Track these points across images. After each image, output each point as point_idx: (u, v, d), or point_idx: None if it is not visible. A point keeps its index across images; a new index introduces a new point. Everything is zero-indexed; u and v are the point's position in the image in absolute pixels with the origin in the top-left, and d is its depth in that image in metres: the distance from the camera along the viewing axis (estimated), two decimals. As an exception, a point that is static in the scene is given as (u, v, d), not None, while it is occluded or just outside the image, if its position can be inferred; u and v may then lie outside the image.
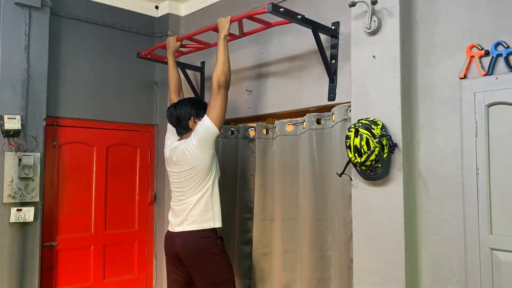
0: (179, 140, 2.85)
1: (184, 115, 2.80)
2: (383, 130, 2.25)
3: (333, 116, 2.69)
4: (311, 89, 2.92)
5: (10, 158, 3.18)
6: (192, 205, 2.68)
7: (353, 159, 2.30)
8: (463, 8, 2.22)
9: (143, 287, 4.04)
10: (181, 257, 2.71)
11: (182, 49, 3.43)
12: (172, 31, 4.01)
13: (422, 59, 2.34)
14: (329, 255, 2.72)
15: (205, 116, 2.67)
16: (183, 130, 2.84)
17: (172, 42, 3.20)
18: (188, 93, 3.89)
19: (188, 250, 2.68)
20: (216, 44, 3.27)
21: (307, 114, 2.84)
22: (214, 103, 2.66)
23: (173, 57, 3.22)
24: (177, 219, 2.75)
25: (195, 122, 2.78)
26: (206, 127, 2.64)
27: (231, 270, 2.77)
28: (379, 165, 2.25)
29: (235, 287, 2.78)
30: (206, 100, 3.73)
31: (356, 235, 2.43)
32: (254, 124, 3.27)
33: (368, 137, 2.22)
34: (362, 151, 2.24)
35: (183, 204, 2.72)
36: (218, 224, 2.71)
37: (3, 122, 3.14)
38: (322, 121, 2.80)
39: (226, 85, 2.68)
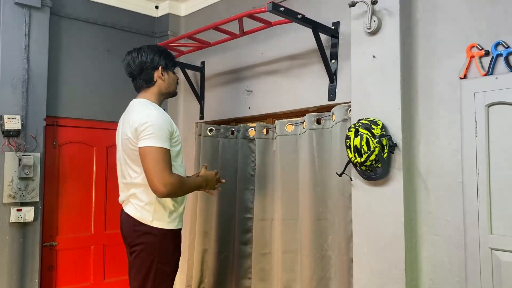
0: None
1: (151, 63, 2.34)
2: (383, 130, 2.25)
3: (333, 116, 2.69)
4: (311, 89, 2.92)
5: (10, 158, 3.18)
6: None
7: (353, 159, 2.30)
8: (463, 8, 2.21)
9: (143, 287, 4.04)
10: None
11: (182, 49, 3.43)
12: (172, 31, 4.01)
13: (422, 59, 2.34)
14: (329, 255, 2.72)
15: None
16: (144, 84, 2.37)
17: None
18: (188, 93, 3.89)
19: None
20: (216, 43, 3.29)
21: (307, 114, 2.84)
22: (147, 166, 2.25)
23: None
24: None
25: (162, 74, 2.36)
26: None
27: None
28: (379, 165, 2.25)
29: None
30: (206, 100, 3.78)
31: (356, 235, 2.42)
32: (254, 124, 3.27)
33: (368, 137, 2.22)
34: (362, 151, 2.24)
35: None
36: None
37: (3, 122, 3.14)
38: (322, 121, 2.80)
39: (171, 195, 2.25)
